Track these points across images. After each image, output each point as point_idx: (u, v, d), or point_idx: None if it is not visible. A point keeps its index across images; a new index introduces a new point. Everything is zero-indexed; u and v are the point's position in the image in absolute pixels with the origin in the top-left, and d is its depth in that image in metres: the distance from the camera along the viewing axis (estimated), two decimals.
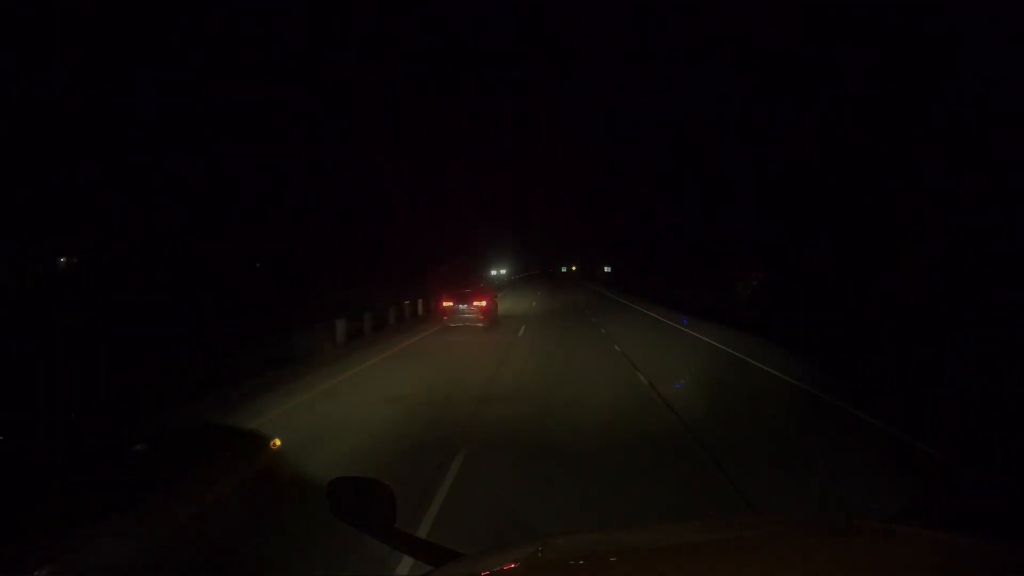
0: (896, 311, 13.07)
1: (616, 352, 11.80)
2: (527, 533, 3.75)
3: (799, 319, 14.45)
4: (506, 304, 21.08)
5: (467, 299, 16.20)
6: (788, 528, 1.55)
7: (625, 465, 5.01)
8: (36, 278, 19.17)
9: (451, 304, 16.05)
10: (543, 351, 12.01)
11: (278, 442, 4.03)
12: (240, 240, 30.04)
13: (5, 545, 2.14)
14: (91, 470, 2.78)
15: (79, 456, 2.92)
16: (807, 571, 1.03)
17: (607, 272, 63.48)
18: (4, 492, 2.36)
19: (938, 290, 13.98)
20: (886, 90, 19.64)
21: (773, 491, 4.48)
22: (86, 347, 9.02)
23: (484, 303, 16.08)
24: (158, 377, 7.76)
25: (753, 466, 5.02)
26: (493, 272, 45.94)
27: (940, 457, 5.36)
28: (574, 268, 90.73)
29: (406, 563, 3.13)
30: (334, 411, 7.12)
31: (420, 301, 18.89)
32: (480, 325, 15.63)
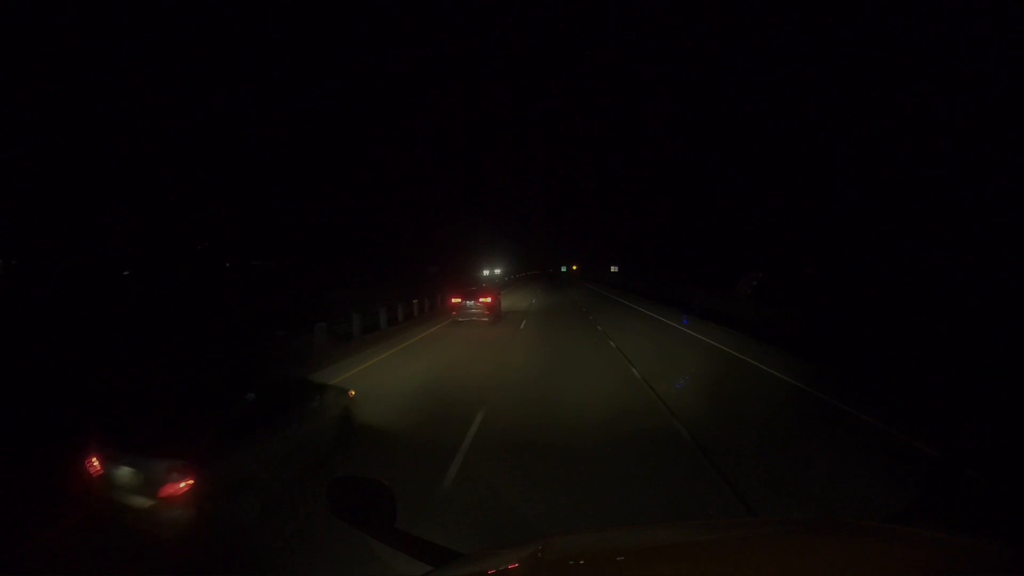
0: (896, 310, 13.06)
1: (611, 347, 12.69)
2: (533, 455, 5.30)
3: (799, 319, 14.45)
4: (503, 304, 22.27)
5: (474, 296, 17.97)
6: (788, 528, 1.55)
7: (608, 409, 7.18)
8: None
9: (459, 301, 17.91)
10: (543, 341, 13.77)
11: (353, 393, 5.98)
12: (244, 246, 30.20)
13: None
14: (250, 407, 4.41)
15: (241, 397, 4.48)
16: (807, 571, 1.03)
17: (614, 272, 59.23)
18: (204, 420, 4.06)
19: (938, 289, 13.98)
20: (886, 90, 19.64)
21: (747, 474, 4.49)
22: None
23: (489, 300, 17.81)
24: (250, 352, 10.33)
25: (707, 429, 5.95)
26: (485, 272, 45.10)
27: (939, 457, 5.36)
28: (575, 268, 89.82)
29: (406, 563, 3.12)
30: (380, 379, 8.79)
31: (426, 300, 20.69)
32: (485, 320, 17.37)
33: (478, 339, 13.99)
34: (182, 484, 3.53)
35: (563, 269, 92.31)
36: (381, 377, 9.14)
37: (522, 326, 16.94)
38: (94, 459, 3.81)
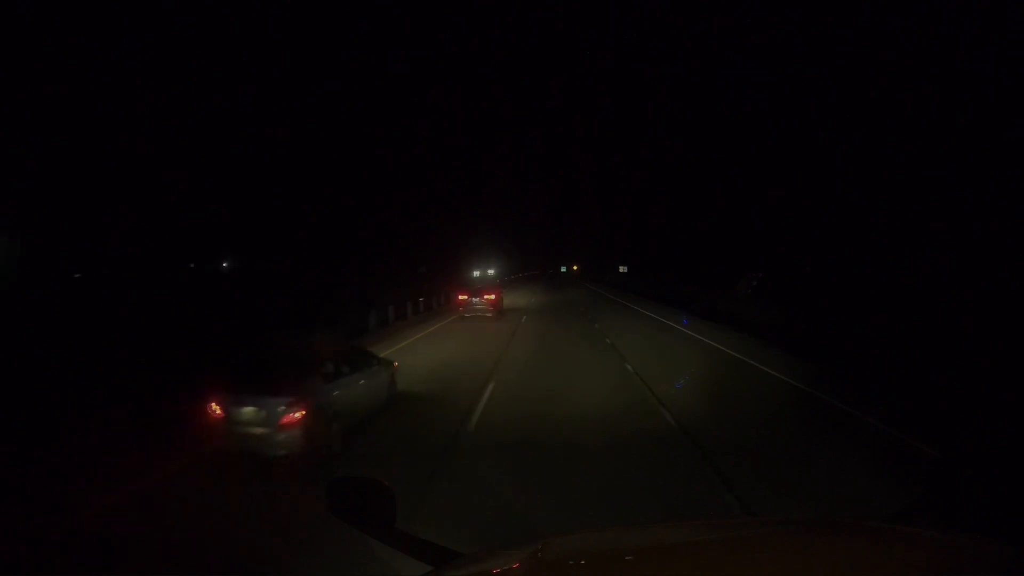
0: (896, 310, 13.06)
1: (606, 344, 13.48)
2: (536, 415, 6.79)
3: (799, 319, 14.46)
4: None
5: (479, 293, 20.02)
6: (788, 528, 1.55)
7: (595, 379, 9.34)
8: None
9: (466, 298, 19.91)
10: (542, 334, 15.61)
11: (396, 364, 7.84)
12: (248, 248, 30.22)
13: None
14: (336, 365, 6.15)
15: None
16: (807, 571, 1.03)
17: (623, 273, 53.55)
18: (309, 371, 5.70)
19: (938, 289, 13.98)
20: (886, 90, 19.65)
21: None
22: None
23: (493, 297, 19.79)
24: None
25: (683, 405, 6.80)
26: (476, 273, 43.05)
27: (939, 457, 5.36)
28: (575, 268, 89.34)
29: (406, 563, 3.11)
30: (407, 360, 9.66)
31: (433, 298, 22.91)
32: (489, 315, 19.06)
33: (484, 331, 15.77)
34: (297, 414, 5.12)
35: (563, 269, 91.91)
36: (410, 358, 10.49)
37: (523, 320, 18.79)
38: (214, 405, 5.30)
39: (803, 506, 4.18)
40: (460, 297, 20.47)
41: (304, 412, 5.16)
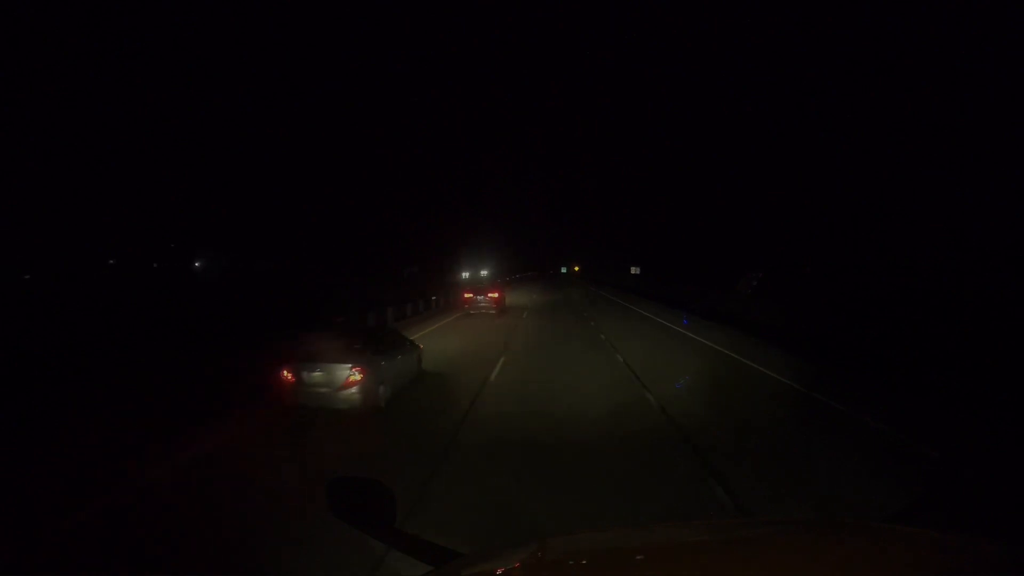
0: (896, 310, 13.06)
1: (601, 339, 14.29)
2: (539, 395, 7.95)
3: (799, 319, 14.45)
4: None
5: (483, 292, 21.74)
6: (788, 528, 1.55)
7: (586, 362, 11.11)
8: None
9: (471, 296, 21.61)
10: (542, 327, 17.45)
11: (422, 346, 9.57)
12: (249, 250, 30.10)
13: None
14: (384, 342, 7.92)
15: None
16: (807, 571, 1.03)
17: (635, 274, 47.04)
18: (365, 346, 7.28)
19: (938, 289, 13.97)
20: (886, 90, 19.64)
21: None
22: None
23: (496, 295, 21.39)
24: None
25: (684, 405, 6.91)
26: (466, 275, 41.45)
27: (938, 457, 5.36)
28: (577, 268, 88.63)
29: (406, 563, 3.11)
30: (430, 344, 11.17)
31: (440, 297, 24.57)
32: (493, 312, 20.64)
33: (490, 325, 17.60)
34: (356, 377, 6.65)
35: (563, 270, 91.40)
36: (429, 343, 11.67)
37: (524, 316, 20.63)
38: (286, 371, 6.81)
39: (802, 507, 4.18)
40: (466, 295, 22.10)
41: (361, 376, 6.71)
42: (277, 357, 7.20)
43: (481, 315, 20.28)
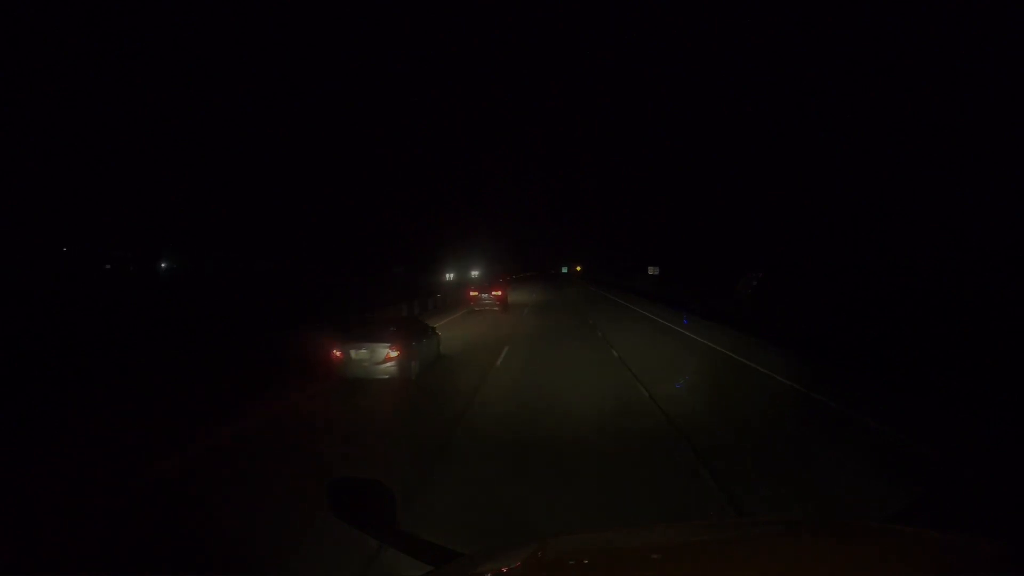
0: (896, 310, 13.05)
1: (598, 336, 15.06)
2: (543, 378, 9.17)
3: (798, 319, 14.45)
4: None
5: (488, 290, 23.70)
6: (788, 528, 1.55)
7: (581, 348, 12.96)
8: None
9: (476, 294, 23.53)
10: (542, 322, 19.10)
11: (439, 333, 11.43)
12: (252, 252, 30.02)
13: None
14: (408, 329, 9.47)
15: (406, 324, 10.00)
16: (807, 571, 1.03)
17: (654, 275, 41.96)
18: (399, 330, 9.13)
19: (938, 289, 13.97)
20: (886, 90, 19.63)
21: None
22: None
23: (500, 293, 23.28)
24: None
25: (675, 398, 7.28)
26: (449, 276, 39.18)
27: (938, 459, 5.35)
28: (578, 268, 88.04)
29: (406, 563, 3.12)
30: (444, 334, 12.25)
31: (447, 296, 26.87)
32: (496, 309, 22.36)
33: (495, 319, 19.40)
34: (394, 354, 8.32)
35: (564, 270, 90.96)
36: (442, 334, 12.31)
37: (525, 313, 22.16)
38: (336, 351, 8.48)
39: (803, 507, 4.17)
40: (471, 293, 23.96)
41: (397, 353, 8.40)
42: (328, 339, 9.05)
43: (485, 311, 21.94)
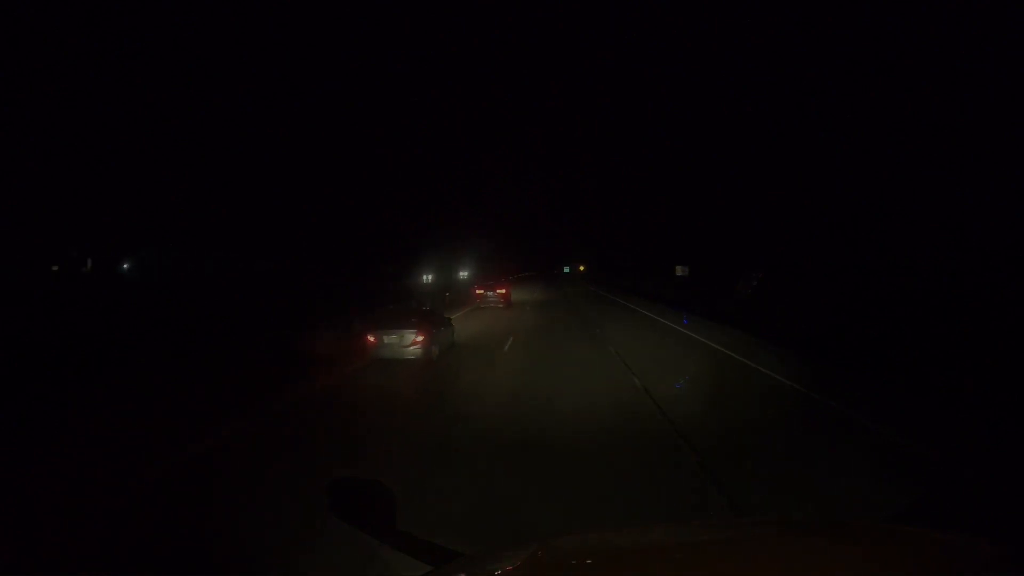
0: (896, 310, 13.05)
1: (596, 333, 16.02)
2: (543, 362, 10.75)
3: (798, 319, 14.45)
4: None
5: (492, 288, 25.62)
6: (788, 528, 1.55)
7: (579, 337, 15.34)
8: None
9: (482, 292, 25.69)
10: (543, 317, 21.01)
11: (456, 322, 13.89)
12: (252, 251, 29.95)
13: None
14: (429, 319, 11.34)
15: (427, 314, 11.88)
16: (807, 571, 1.03)
17: (681, 276, 34.93)
18: (425, 318, 11.14)
19: (938, 289, 13.96)
20: (886, 90, 19.62)
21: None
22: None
23: (504, 291, 25.32)
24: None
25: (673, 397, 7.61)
26: (426, 278, 36.38)
27: (939, 459, 5.35)
28: (581, 268, 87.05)
29: (406, 563, 3.13)
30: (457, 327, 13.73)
31: (454, 294, 28.49)
32: (501, 306, 24.41)
33: (500, 315, 21.37)
34: (419, 339, 10.03)
35: (566, 269, 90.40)
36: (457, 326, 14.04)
37: (527, 310, 23.79)
38: (369, 336, 10.29)
39: (803, 507, 4.17)
40: (477, 291, 26.17)
41: (423, 337, 10.17)
42: (364, 327, 11.16)
43: (490, 308, 24.08)
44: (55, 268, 27.64)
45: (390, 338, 10.16)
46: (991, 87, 16.21)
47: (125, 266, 31.41)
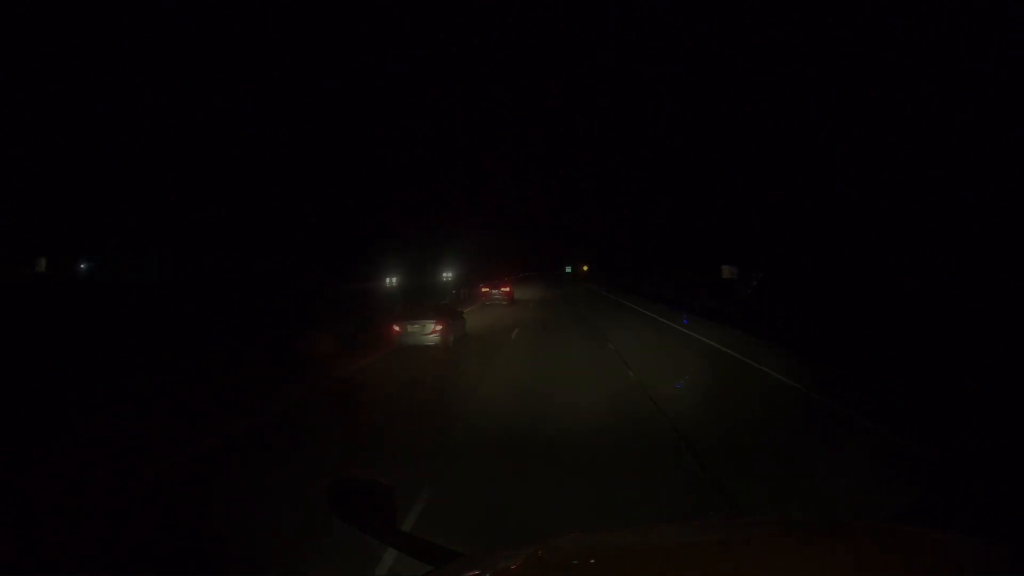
0: (896, 310, 13.04)
1: (596, 329, 17.00)
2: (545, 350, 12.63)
3: (798, 318, 14.44)
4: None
5: (497, 287, 27.63)
6: (788, 528, 1.55)
7: (578, 329, 17.23)
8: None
9: (487, 290, 27.79)
10: (545, 315, 22.48)
11: (466, 316, 15.67)
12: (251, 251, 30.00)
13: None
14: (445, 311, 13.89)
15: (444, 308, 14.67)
16: (807, 571, 1.03)
17: (731, 278, 29.22)
18: (444, 311, 13.81)
19: (938, 289, 13.96)
20: (886, 90, 19.61)
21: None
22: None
23: (508, 290, 27.42)
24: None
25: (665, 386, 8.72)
26: (390, 280, 34.17)
27: (939, 459, 5.34)
28: (585, 268, 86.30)
29: (406, 563, 3.12)
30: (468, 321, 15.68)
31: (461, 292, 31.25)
32: (505, 303, 26.50)
33: (505, 311, 23.55)
34: (438, 328, 12.14)
35: (568, 269, 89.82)
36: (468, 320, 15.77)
37: (530, 307, 25.49)
38: (395, 325, 12.50)
39: (803, 507, 4.17)
40: (483, 290, 28.34)
41: (441, 327, 12.11)
42: (390, 318, 13.27)
43: (495, 305, 26.25)
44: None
45: (413, 327, 12.14)
46: (991, 87, 16.20)
47: (83, 265, 29.05)
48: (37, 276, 26.77)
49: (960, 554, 1.11)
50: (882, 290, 15.83)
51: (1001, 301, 11.71)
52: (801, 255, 23.56)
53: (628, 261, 55.34)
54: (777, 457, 5.31)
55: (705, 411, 6.99)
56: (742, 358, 11.07)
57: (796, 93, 25.43)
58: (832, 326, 12.95)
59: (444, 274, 43.06)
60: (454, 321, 13.20)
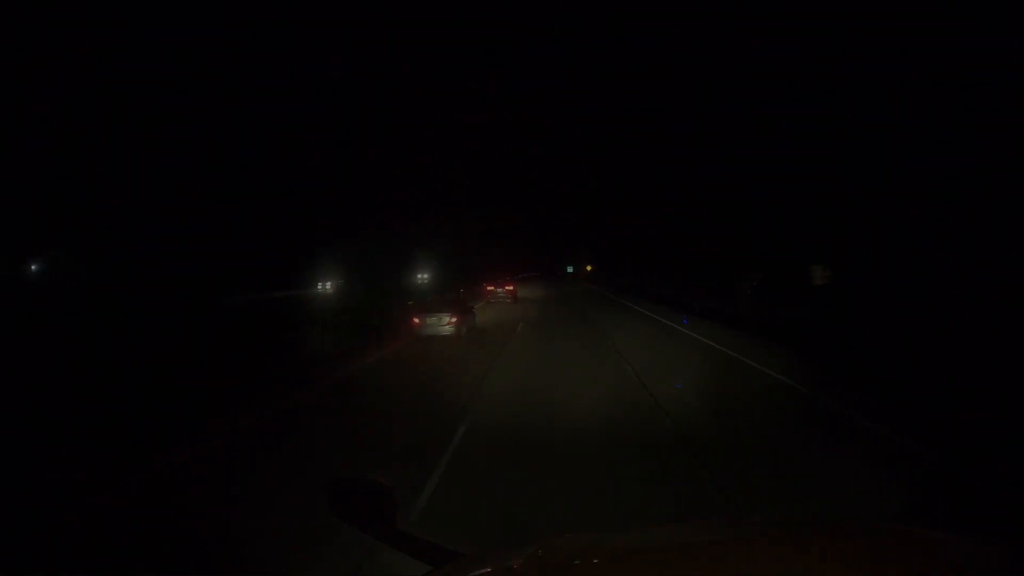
0: (896, 310, 13.04)
1: (597, 329, 17.57)
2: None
3: (798, 318, 14.45)
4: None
5: (501, 286, 29.14)
6: (788, 528, 1.55)
7: (578, 325, 18.51)
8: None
9: (492, 289, 29.51)
10: (547, 313, 23.75)
11: (476, 311, 18.64)
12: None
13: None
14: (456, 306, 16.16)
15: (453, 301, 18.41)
16: (807, 571, 1.03)
17: (822, 283, 24.66)
18: (458, 305, 16.67)
19: (938, 289, 13.96)
20: (886, 89, 19.61)
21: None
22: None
23: (511, 288, 29.03)
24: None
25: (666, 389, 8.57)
26: (325, 285, 34.86)
27: (939, 459, 5.34)
28: (589, 268, 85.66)
29: (406, 563, 3.12)
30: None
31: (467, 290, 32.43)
32: (509, 301, 27.91)
33: (509, 308, 25.34)
34: (453, 320, 14.21)
35: (569, 269, 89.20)
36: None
37: (531, 305, 26.88)
38: (415, 318, 14.53)
39: (803, 507, 4.16)
40: (488, 288, 30.17)
41: (457, 319, 14.02)
42: (412, 311, 15.19)
43: (500, 303, 27.92)
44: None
45: (431, 319, 14.06)
46: (992, 86, 16.20)
47: (33, 267, 26.33)
48: None
49: (959, 554, 1.12)
50: (882, 290, 15.84)
51: (1002, 301, 11.72)
52: (801, 255, 23.56)
53: (628, 261, 55.28)
54: (777, 457, 5.31)
55: (704, 410, 6.98)
56: (742, 358, 11.06)
57: (796, 93, 25.41)
58: (832, 326, 12.95)
59: (419, 275, 40.55)
60: (467, 314, 15.29)
